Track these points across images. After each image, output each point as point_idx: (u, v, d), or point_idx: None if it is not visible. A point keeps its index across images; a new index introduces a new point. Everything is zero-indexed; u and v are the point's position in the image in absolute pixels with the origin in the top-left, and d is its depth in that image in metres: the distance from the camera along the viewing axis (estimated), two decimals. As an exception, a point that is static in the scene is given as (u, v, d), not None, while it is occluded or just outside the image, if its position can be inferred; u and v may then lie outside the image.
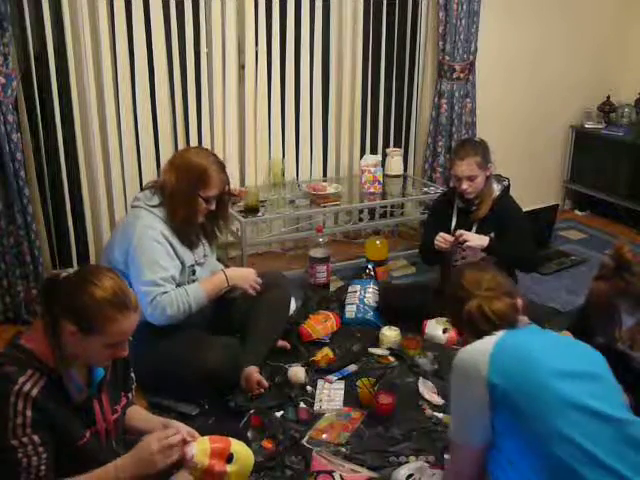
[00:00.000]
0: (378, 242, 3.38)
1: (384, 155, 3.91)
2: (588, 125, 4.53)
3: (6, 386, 1.42)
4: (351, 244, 4.00)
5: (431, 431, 2.24)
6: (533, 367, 1.46)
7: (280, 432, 2.19)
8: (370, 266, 3.21)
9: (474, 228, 2.87)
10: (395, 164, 3.87)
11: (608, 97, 4.54)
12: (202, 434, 1.64)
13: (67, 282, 1.50)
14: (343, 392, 2.45)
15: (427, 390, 2.46)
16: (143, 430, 1.70)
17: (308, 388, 2.47)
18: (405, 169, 4.03)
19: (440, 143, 3.97)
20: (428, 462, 2.05)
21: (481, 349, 1.51)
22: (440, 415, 2.31)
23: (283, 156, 3.73)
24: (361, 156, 3.84)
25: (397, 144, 4.10)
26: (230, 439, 1.66)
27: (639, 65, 4.57)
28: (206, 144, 3.47)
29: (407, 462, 2.06)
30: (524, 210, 3.03)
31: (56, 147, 3.14)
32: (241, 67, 3.49)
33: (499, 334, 1.55)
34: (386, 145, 4.05)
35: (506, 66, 4.18)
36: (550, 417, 1.40)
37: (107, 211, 3.33)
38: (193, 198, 2.34)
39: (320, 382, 2.50)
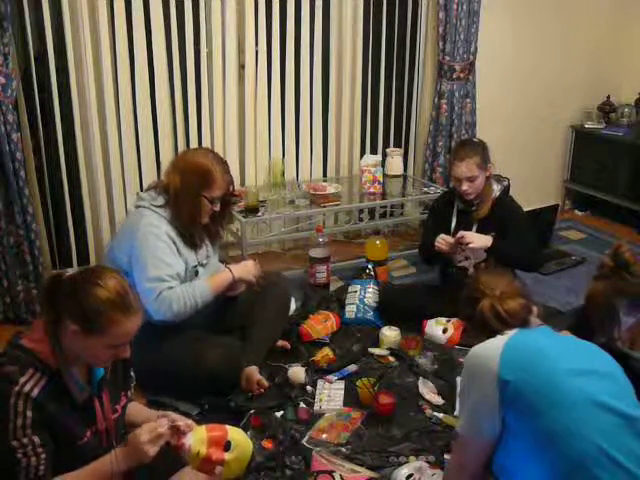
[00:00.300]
0: (378, 242, 3.38)
1: (384, 155, 3.91)
2: (588, 125, 4.53)
3: (6, 387, 1.42)
4: (351, 244, 4.00)
5: (431, 431, 2.24)
6: (546, 364, 1.47)
7: (280, 432, 2.19)
8: (370, 266, 3.21)
9: (474, 228, 2.86)
10: (395, 164, 3.87)
11: (608, 97, 4.54)
12: None
13: (71, 282, 1.50)
14: (343, 392, 2.45)
15: (427, 390, 2.46)
16: (141, 424, 1.70)
17: (308, 388, 2.47)
18: (405, 169, 4.03)
19: (440, 143, 3.97)
20: (428, 462, 2.04)
21: (493, 346, 1.53)
22: (440, 415, 2.31)
23: (283, 156, 3.73)
24: (361, 156, 3.84)
25: (397, 144, 4.11)
26: (227, 427, 1.66)
27: (639, 65, 4.58)
28: (206, 144, 3.47)
29: (407, 462, 2.05)
30: (524, 210, 3.02)
31: (56, 147, 3.15)
32: (241, 67, 3.50)
33: (511, 332, 1.57)
34: (386, 145, 4.05)
35: (506, 66, 4.18)
36: (563, 413, 1.41)
37: (107, 211, 3.33)
38: (198, 199, 2.34)
39: (320, 382, 2.50)
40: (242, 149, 3.63)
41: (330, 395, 2.43)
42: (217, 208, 2.40)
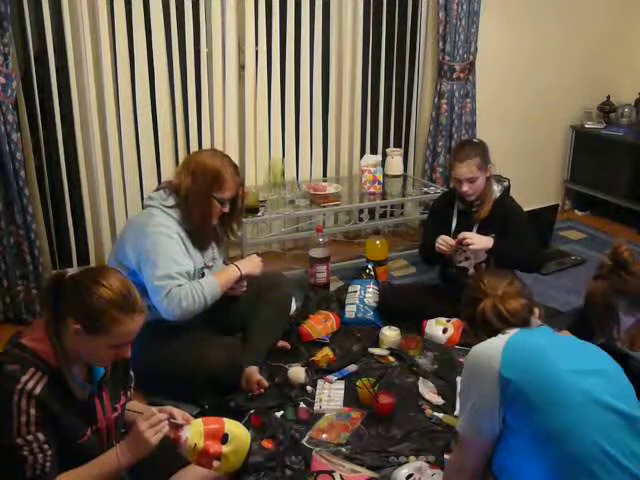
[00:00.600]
0: (378, 242, 3.38)
1: (384, 155, 3.91)
2: (588, 125, 4.53)
3: (9, 385, 1.42)
4: (351, 244, 4.00)
5: (431, 431, 2.24)
6: (547, 364, 1.48)
7: (280, 432, 2.19)
8: (370, 266, 3.21)
9: (475, 229, 2.85)
10: (395, 164, 3.87)
11: (608, 97, 4.54)
12: None
13: (74, 281, 1.51)
14: (343, 392, 2.45)
15: (427, 390, 2.46)
16: None
17: (308, 388, 2.47)
18: (405, 169, 4.03)
19: (440, 143, 3.97)
20: (428, 462, 2.05)
21: (494, 345, 1.54)
22: (440, 415, 2.31)
23: (283, 156, 3.73)
24: (361, 156, 3.84)
25: (397, 144, 4.11)
26: (224, 419, 1.66)
27: (639, 65, 4.58)
28: (206, 144, 3.47)
29: (407, 462, 2.06)
30: (524, 210, 3.02)
31: (56, 147, 3.15)
32: (241, 67, 3.49)
33: (512, 332, 1.57)
34: (386, 145, 4.05)
35: (506, 66, 4.19)
36: (564, 413, 1.41)
37: (107, 211, 3.33)
38: (208, 199, 2.36)
39: (320, 382, 2.50)
40: (242, 149, 3.63)
41: (330, 395, 2.43)
42: (226, 210, 2.42)
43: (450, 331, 2.80)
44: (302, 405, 2.34)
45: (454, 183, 2.87)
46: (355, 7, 3.68)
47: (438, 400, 2.41)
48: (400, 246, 3.93)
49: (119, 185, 3.32)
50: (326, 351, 2.67)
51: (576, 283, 3.39)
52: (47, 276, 3.01)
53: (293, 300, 2.86)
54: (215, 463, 1.59)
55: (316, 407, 2.36)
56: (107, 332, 1.48)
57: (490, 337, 1.60)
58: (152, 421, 1.52)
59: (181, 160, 3.40)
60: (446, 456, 2.04)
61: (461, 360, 2.54)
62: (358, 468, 2.03)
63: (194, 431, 1.58)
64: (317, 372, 2.57)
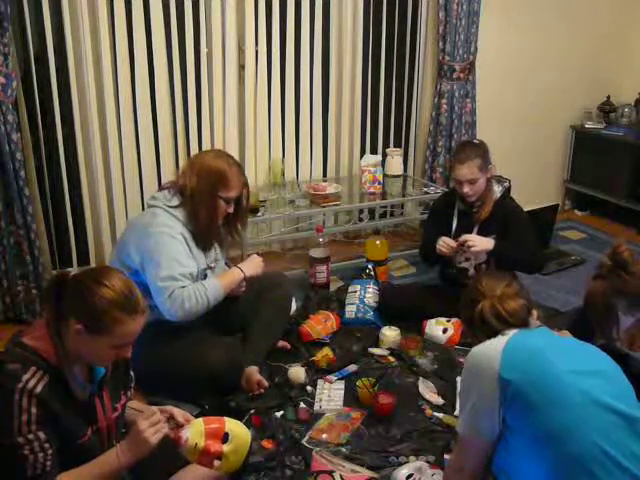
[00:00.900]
0: (378, 242, 3.38)
1: (384, 155, 3.91)
2: (588, 125, 4.53)
3: (10, 384, 1.42)
4: (351, 244, 4.00)
5: (431, 431, 2.24)
6: (546, 364, 1.47)
7: (280, 432, 2.19)
8: (370, 266, 3.21)
9: (475, 230, 2.85)
10: (395, 164, 3.87)
11: (608, 97, 4.54)
12: None
13: (76, 281, 1.51)
14: (343, 392, 2.45)
15: (427, 390, 2.46)
16: None
17: (308, 388, 2.47)
18: (405, 169, 4.03)
19: (440, 143, 3.97)
20: (428, 462, 2.05)
21: (493, 346, 1.54)
22: (440, 415, 2.31)
23: (283, 156, 3.73)
24: (361, 156, 3.84)
25: (397, 144, 4.11)
26: (224, 418, 1.66)
27: (639, 65, 4.58)
28: (206, 144, 3.48)
29: (407, 462, 2.06)
30: (524, 210, 3.02)
31: (56, 147, 3.15)
32: (241, 67, 3.49)
33: (511, 333, 1.58)
34: (386, 145, 4.05)
35: (506, 66, 4.19)
36: (563, 413, 1.41)
37: (107, 211, 3.33)
38: (214, 199, 2.37)
39: (320, 382, 2.50)
40: (242, 149, 3.63)
41: (330, 395, 2.43)
42: (231, 210, 2.43)
43: (450, 331, 2.80)
44: (302, 405, 2.34)
45: (455, 184, 2.86)
46: (355, 7, 3.68)
47: (438, 400, 2.41)
48: (400, 246, 3.93)
49: (119, 185, 3.32)
50: (326, 351, 2.67)
51: (576, 283, 3.39)
52: (47, 276, 3.01)
53: (293, 300, 2.86)
54: (216, 462, 1.60)
55: (316, 407, 2.36)
56: (108, 332, 1.48)
57: (489, 338, 1.60)
58: (152, 420, 1.53)
59: (181, 160, 3.41)
60: (446, 456, 2.04)
61: (461, 360, 2.54)
62: (358, 468, 2.02)
63: (195, 431, 1.59)
64: (317, 372, 2.57)
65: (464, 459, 1.62)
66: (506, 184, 3.01)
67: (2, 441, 1.43)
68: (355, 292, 3.04)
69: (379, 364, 2.65)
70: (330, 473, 1.97)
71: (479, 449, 1.55)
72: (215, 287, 2.35)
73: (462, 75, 3.86)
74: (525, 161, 4.43)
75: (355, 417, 2.31)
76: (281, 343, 2.71)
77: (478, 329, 1.66)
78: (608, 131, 4.42)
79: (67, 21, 2.99)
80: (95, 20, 3.05)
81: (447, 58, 3.81)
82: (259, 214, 3.27)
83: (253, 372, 2.42)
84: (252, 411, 2.30)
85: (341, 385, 2.49)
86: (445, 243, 2.78)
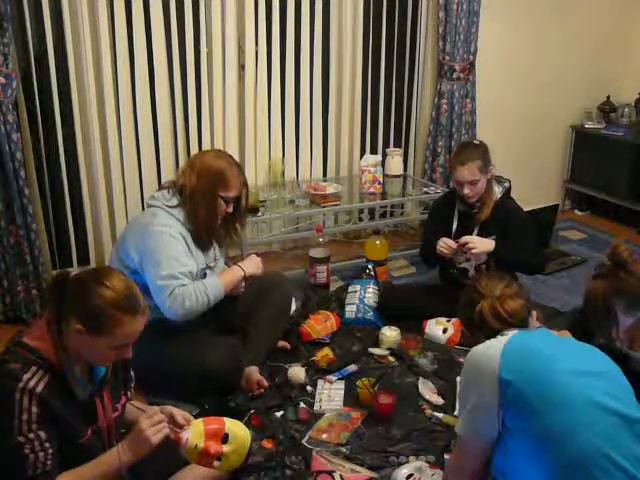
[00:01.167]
0: (378, 242, 3.38)
1: (384, 155, 3.91)
2: (588, 125, 4.53)
3: (11, 383, 1.43)
4: (351, 244, 4.00)
5: (431, 431, 2.24)
6: (546, 365, 1.47)
7: (280, 432, 2.19)
8: (370, 266, 3.21)
9: (475, 231, 2.85)
10: (395, 164, 3.87)
11: (608, 97, 4.54)
12: None
13: (77, 281, 1.51)
14: (343, 392, 2.45)
15: (427, 390, 2.46)
16: None
17: (308, 388, 2.47)
18: (405, 169, 4.03)
19: (440, 143, 3.97)
20: (428, 462, 2.05)
21: (493, 346, 1.53)
22: (440, 415, 2.31)
23: (283, 156, 3.73)
24: (361, 156, 3.84)
25: (397, 144, 4.11)
26: (224, 419, 1.66)
27: (639, 65, 4.57)
28: (206, 144, 3.48)
29: (407, 462, 2.06)
30: (524, 210, 3.01)
31: (56, 147, 3.15)
32: (241, 67, 3.49)
33: (511, 333, 1.57)
34: (386, 145, 4.05)
35: (506, 66, 4.19)
36: (563, 414, 1.40)
37: (107, 211, 3.33)
38: (214, 198, 2.37)
39: (320, 382, 2.50)
40: (242, 149, 3.63)
41: (330, 395, 2.43)
42: (230, 210, 2.44)
43: (450, 331, 2.80)
44: (302, 405, 2.34)
45: (455, 185, 2.85)
46: (355, 7, 3.68)
47: (438, 400, 2.41)
48: (400, 246, 3.93)
49: (119, 185, 3.32)
50: (326, 351, 2.67)
51: (576, 283, 3.39)
52: (47, 276, 3.01)
53: (293, 300, 2.86)
54: (216, 463, 1.60)
55: (316, 407, 2.36)
56: (109, 333, 1.48)
57: (489, 338, 1.59)
58: (154, 420, 1.53)
59: (181, 160, 3.41)
60: (446, 456, 2.04)
61: (461, 360, 2.54)
62: (358, 468, 2.03)
63: (195, 431, 1.59)
64: (317, 372, 2.57)
65: (463, 460, 1.62)
66: (506, 184, 3.00)
67: (3, 440, 1.43)
68: (355, 292, 3.04)
69: (379, 364, 2.65)
70: (330, 473, 1.97)
71: (478, 450, 1.55)
72: (215, 285, 2.35)
73: (462, 75, 3.86)
74: (525, 161, 4.43)
75: (355, 417, 2.31)
76: (281, 343, 2.71)
77: (477, 329, 1.66)
78: (608, 131, 4.42)
79: (67, 21, 2.99)
80: (95, 20, 3.05)
81: (447, 58, 3.81)
82: (259, 214, 3.27)
83: (253, 372, 2.43)
84: (252, 411, 2.30)
85: (341, 385, 2.49)
86: (445, 244, 2.78)
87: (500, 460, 1.52)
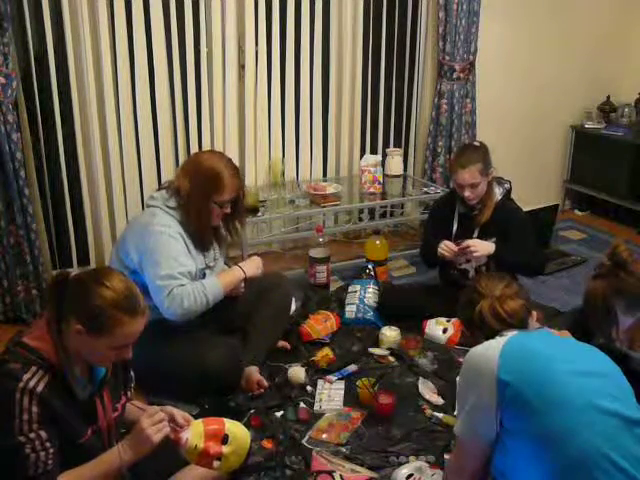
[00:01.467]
0: (378, 242, 3.38)
1: (384, 155, 3.91)
2: (588, 125, 4.53)
3: (11, 383, 1.43)
4: (351, 244, 4.00)
5: (431, 431, 2.24)
6: (545, 366, 1.47)
7: (280, 432, 2.19)
8: (370, 266, 3.21)
9: (476, 233, 2.85)
10: (395, 164, 3.87)
11: (608, 97, 4.54)
12: None
13: (78, 281, 1.51)
14: (343, 392, 2.45)
15: (427, 390, 2.46)
16: None
17: (308, 388, 2.47)
18: (405, 169, 4.03)
19: (440, 143, 3.97)
20: (428, 462, 2.05)
21: (492, 347, 1.53)
22: (440, 415, 2.31)
23: (283, 156, 3.73)
24: (361, 156, 3.84)
25: (397, 144, 4.11)
26: (224, 420, 1.66)
27: (639, 65, 4.57)
28: (206, 144, 3.48)
29: (407, 462, 2.06)
30: (524, 210, 3.01)
31: (56, 147, 3.15)
32: (241, 67, 3.49)
33: (510, 334, 1.57)
34: (386, 145, 4.05)
35: (506, 66, 4.19)
36: (562, 415, 1.40)
37: (107, 211, 3.33)
38: (207, 202, 2.36)
39: (320, 382, 2.50)
40: (242, 149, 3.63)
41: (330, 395, 2.43)
42: (228, 211, 2.43)
43: (450, 331, 2.80)
44: (302, 405, 2.35)
45: (456, 187, 2.84)
46: (355, 7, 3.68)
47: (438, 400, 2.41)
48: (400, 246, 3.93)
49: (119, 185, 3.32)
50: (326, 351, 2.67)
51: (576, 283, 3.39)
52: (47, 276, 3.01)
53: (293, 300, 2.86)
54: (215, 463, 1.60)
55: (316, 407, 2.36)
56: (109, 333, 1.48)
57: (488, 339, 1.59)
58: (155, 419, 1.53)
59: (181, 160, 3.41)
60: (446, 456, 2.05)
61: (461, 360, 2.53)
62: (358, 468, 2.03)
63: (194, 432, 1.59)
64: (317, 372, 2.57)
65: (463, 460, 1.62)
66: (507, 186, 3.00)
67: (3, 440, 1.43)
68: (355, 292, 3.04)
69: (379, 364, 2.65)
70: (330, 473, 1.97)
71: (477, 450, 1.55)
72: (214, 286, 2.35)
73: (462, 75, 3.86)
74: (525, 161, 4.43)
75: (355, 417, 2.31)
76: (281, 343, 2.71)
77: (477, 329, 1.66)
78: (608, 131, 4.42)
79: (67, 21, 2.99)
80: (95, 20, 3.05)
81: (447, 58, 3.81)
82: (259, 214, 3.27)
83: (253, 372, 2.43)
84: (252, 411, 2.30)
85: (341, 385, 2.49)
86: (447, 247, 2.77)
87: (500, 460, 1.52)
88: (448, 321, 2.84)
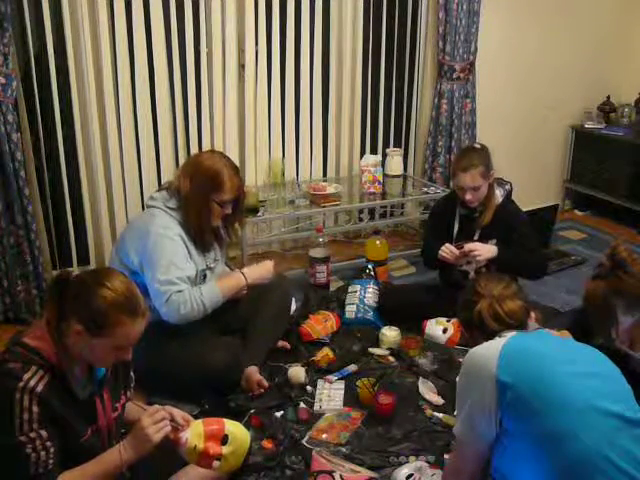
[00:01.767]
0: (378, 242, 3.38)
1: (384, 155, 3.91)
2: (588, 125, 4.53)
3: (11, 383, 1.43)
4: (351, 244, 4.00)
5: (431, 431, 2.24)
6: (544, 367, 1.47)
7: (280, 432, 2.19)
8: (370, 266, 3.21)
9: (477, 235, 2.84)
10: (395, 164, 3.87)
11: (608, 97, 4.54)
12: None
13: (78, 282, 1.51)
14: (343, 392, 2.44)
15: (427, 390, 2.46)
16: None
17: (308, 388, 2.47)
18: (405, 169, 4.03)
19: (440, 143, 3.97)
20: (428, 462, 2.04)
21: (491, 348, 1.53)
22: (440, 415, 2.31)
23: (283, 156, 3.73)
24: (361, 156, 3.84)
25: (397, 144, 4.11)
26: (224, 420, 1.67)
27: (639, 65, 4.57)
28: (206, 144, 3.48)
29: (407, 462, 2.06)
30: (524, 210, 3.01)
31: (56, 147, 3.15)
32: (241, 67, 3.50)
33: (509, 335, 1.57)
34: (386, 145, 4.06)
35: (506, 66, 4.18)
36: (562, 416, 1.40)
37: (107, 211, 3.33)
38: (207, 202, 2.35)
39: (320, 382, 2.50)
40: (242, 149, 3.63)
41: (330, 395, 2.43)
42: (228, 211, 2.42)
43: (450, 331, 2.80)
44: (302, 405, 2.34)
45: (457, 190, 2.82)
46: (355, 7, 3.68)
47: (438, 400, 2.41)
48: (400, 246, 3.93)
49: (119, 185, 3.32)
50: (326, 351, 2.67)
51: (576, 283, 3.39)
52: (48, 276, 3.01)
53: (293, 300, 2.86)
54: (215, 463, 1.60)
55: (316, 407, 2.36)
56: (109, 334, 1.48)
57: (487, 339, 1.59)
58: (155, 418, 1.53)
59: (181, 160, 3.41)
60: (446, 456, 2.04)
61: (461, 360, 2.51)
62: (358, 468, 2.02)
63: (194, 432, 1.59)
64: (317, 372, 2.57)
65: (461, 461, 1.61)
66: (507, 187, 2.99)
67: (4, 440, 1.43)
68: (355, 292, 3.03)
69: (379, 364, 2.65)
70: (330, 473, 1.97)
71: (476, 452, 1.55)
72: (213, 292, 2.34)
73: (462, 75, 3.86)
74: (525, 161, 4.43)
75: (355, 417, 2.31)
76: (281, 343, 2.70)
77: (476, 330, 1.66)
78: (608, 131, 4.42)
79: (67, 21, 2.99)
80: (95, 20, 3.05)
81: (447, 58, 3.81)
82: (259, 214, 3.27)
83: (253, 372, 2.42)
84: (252, 411, 2.30)
85: (341, 385, 2.49)
86: (448, 250, 2.76)
87: (499, 461, 1.52)
88: (448, 321, 2.84)
